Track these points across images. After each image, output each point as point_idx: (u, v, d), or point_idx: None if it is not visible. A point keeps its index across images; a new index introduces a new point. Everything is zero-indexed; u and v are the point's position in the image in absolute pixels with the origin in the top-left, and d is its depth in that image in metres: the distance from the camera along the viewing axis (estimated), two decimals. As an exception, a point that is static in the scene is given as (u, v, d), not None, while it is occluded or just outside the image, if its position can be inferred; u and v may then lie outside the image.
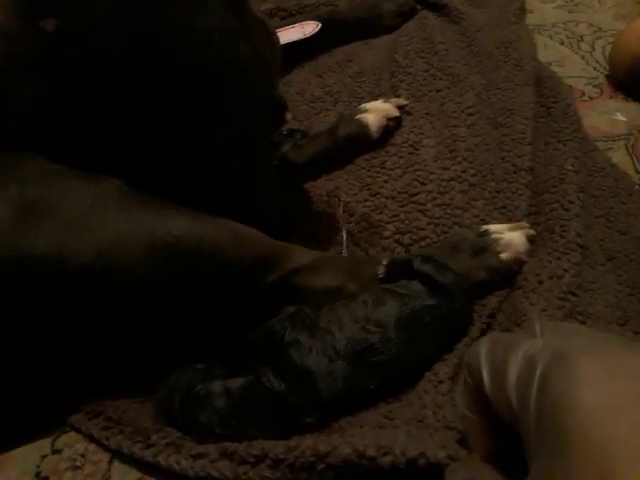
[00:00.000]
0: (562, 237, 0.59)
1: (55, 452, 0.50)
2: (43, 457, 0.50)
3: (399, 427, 0.44)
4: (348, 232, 0.66)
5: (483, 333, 0.53)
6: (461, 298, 0.52)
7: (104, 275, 0.45)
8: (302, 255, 0.56)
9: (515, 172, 0.69)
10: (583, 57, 0.97)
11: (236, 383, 0.48)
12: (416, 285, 0.52)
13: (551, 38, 1.02)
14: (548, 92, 0.81)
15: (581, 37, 1.02)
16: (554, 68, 0.92)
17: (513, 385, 0.27)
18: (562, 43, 1.01)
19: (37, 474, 0.48)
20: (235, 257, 0.50)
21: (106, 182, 0.46)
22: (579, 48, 0.99)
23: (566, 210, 0.62)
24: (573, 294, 0.54)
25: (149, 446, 0.47)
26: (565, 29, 1.05)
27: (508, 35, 0.91)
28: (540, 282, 0.55)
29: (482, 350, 0.31)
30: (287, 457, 0.42)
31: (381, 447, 0.39)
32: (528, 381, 0.26)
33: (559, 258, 0.57)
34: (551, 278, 0.55)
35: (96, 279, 0.45)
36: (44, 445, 0.51)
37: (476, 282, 0.57)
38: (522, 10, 1.05)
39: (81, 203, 0.45)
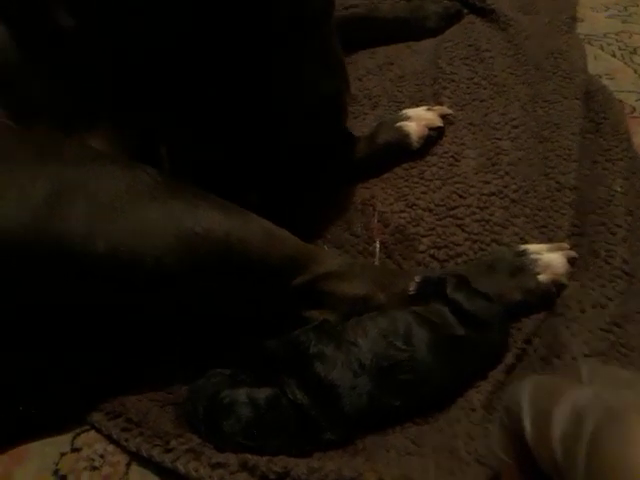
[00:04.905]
0: (607, 263, 0.57)
1: (74, 450, 0.50)
2: (62, 454, 0.50)
3: (427, 456, 0.43)
4: (381, 243, 0.65)
5: (518, 359, 0.52)
6: (497, 328, 0.50)
7: (131, 259, 0.45)
8: (332, 260, 0.55)
9: (559, 190, 0.67)
10: (636, 71, 0.93)
11: (262, 393, 0.47)
12: (447, 314, 0.50)
13: (602, 49, 0.99)
14: (597, 107, 0.78)
15: (634, 49, 0.98)
16: (604, 81, 0.88)
17: (558, 437, 0.26)
18: (614, 55, 0.97)
19: (55, 472, 0.49)
20: (263, 254, 0.50)
21: (141, 170, 0.48)
22: (632, 61, 0.95)
23: (612, 234, 0.60)
24: (617, 325, 0.52)
25: (168, 450, 0.47)
26: (618, 40, 1.01)
27: (558, 45, 0.88)
28: (582, 311, 0.53)
29: (524, 395, 0.29)
30: (309, 478, 0.41)
31: (409, 480, 0.38)
32: (576, 436, 0.24)
33: (603, 285, 0.55)
34: (594, 307, 0.53)
35: (123, 262, 0.45)
36: (64, 442, 0.51)
37: (511, 303, 0.55)
38: (573, 19, 1.02)
39: (116, 188, 0.46)
